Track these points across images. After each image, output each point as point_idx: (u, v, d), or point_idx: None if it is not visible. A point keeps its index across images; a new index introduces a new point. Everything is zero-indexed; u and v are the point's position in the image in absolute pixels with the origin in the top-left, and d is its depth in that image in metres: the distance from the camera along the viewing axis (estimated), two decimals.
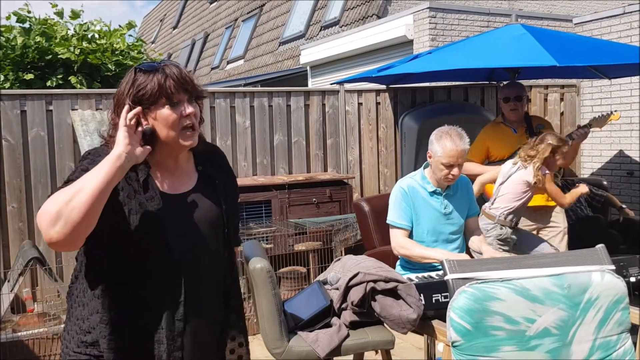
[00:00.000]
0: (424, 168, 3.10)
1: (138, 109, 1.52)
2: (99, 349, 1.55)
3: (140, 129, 1.54)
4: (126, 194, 1.55)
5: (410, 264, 3.06)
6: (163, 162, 1.63)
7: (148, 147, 1.55)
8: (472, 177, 3.98)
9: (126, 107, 1.52)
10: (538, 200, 3.99)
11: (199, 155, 1.73)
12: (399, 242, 3.00)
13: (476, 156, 4.17)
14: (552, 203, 4.03)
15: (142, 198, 1.56)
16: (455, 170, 2.91)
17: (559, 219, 4.06)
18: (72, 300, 1.63)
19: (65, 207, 1.38)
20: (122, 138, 1.48)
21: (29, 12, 6.67)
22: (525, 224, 4.03)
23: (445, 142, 2.90)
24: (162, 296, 1.58)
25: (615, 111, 3.94)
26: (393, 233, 3.04)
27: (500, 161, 4.09)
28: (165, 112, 1.55)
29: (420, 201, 3.01)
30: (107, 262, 1.55)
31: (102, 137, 1.66)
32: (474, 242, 3.11)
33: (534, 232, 4.05)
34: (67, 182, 1.51)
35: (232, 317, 1.78)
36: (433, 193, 3.03)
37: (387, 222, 3.06)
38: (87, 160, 1.56)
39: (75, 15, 7.04)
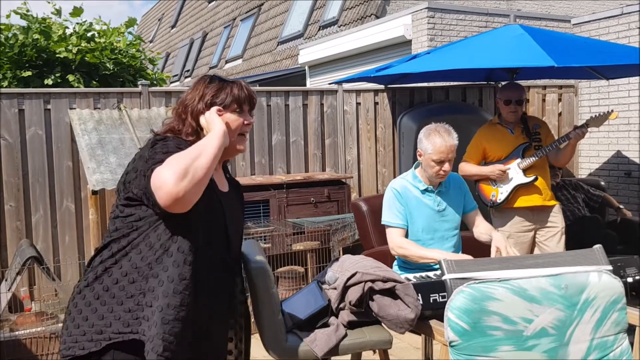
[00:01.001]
0: (415, 167, 3.11)
1: (218, 108, 1.79)
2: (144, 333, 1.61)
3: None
4: None
5: (407, 264, 3.06)
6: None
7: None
8: (470, 179, 4.00)
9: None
10: (535, 200, 4.00)
11: (225, 167, 2.01)
12: (396, 242, 3.00)
13: (473, 157, 4.16)
14: (550, 203, 4.04)
15: (207, 190, 1.68)
16: (446, 166, 2.92)
17: (557, 219, 4.06)
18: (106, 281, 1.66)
19: (191, 165, 1.54)
20: (216, 119, 1.74)
21: (27, 10, 6.65)
22: (522, 224, 4.04)
23: (435, 139, 2.92)
24: (219, 286, 1.80)
25: (613, 110, 3.95)
26: (390, 233, 3.04)
27: (497, 162, 4.10)
28: (234, 117, 1.81)
29: (413, 200, 3.02)
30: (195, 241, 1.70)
31: (153, 131, 1.84)
32: (483, 231, 3.07)
33: (531, 234, 4.05)
34: (152, 160, 1.62)
35: (240, 310, 2.02)
36: (425, 191, 3.04)
37: (383, 223, 3.07)
38: (169, 142, 1.71)
39: (76, 12, 7.02)
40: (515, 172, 4.01)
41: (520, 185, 4.00)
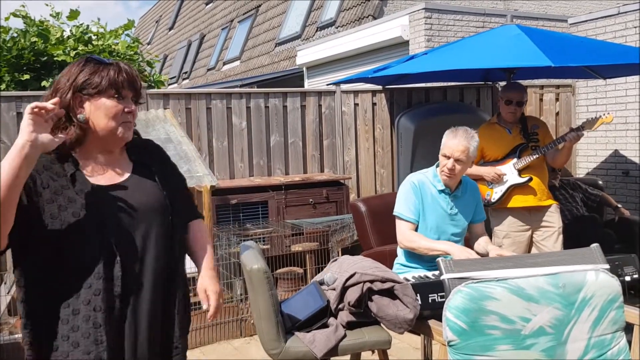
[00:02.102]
0: (436, 166, 3.13)
1: (56, 99, 1.50)
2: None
3: (78, 115, 1.58)
4: (53, 191, 1.55)
5: (411, 260, 3.05)
6: (94, 155, 1.65)
7: (60, 135, 1.53)
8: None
9: (46, 98, 1.52)
10: (530, 200, 4.01)
11: (132, 148, 1.75)
12: (405, 235, 3.00)
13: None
14: (545, 203, 4.04)
15: (70, 192, 1.56)
16: (449, 163, 2.94)
17: (553, 218, 4.07)
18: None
19: None
20: (24, 126, 1.43)
21: (25, 14, 6.66)
22: (519, 224, 4.05)
23: (449, 135, 3.02)
24: (98, 285, 1.55)
25: (609, 113, 3.95)
26: (400, 225, 3.03)
27: (494, 162, 4.11)
28: (111, 103, 1.60)
29: (428, 197, 3.04)
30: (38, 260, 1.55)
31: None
32: (480, 244, 3.13)
33: (528, 233, 4.06)
34: None
35: (175, 307, 1.72)
36: (441, 192, 3.06)
37: (395, 213, 3.06)
38: None
39: (73, 15, 7.03)
40: (511, 172, 4.03)
41: (515, 185, 4.01)
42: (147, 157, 1.77)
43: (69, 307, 1.55)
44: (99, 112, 1.59)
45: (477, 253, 3.00)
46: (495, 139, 4.14)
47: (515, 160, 4.04)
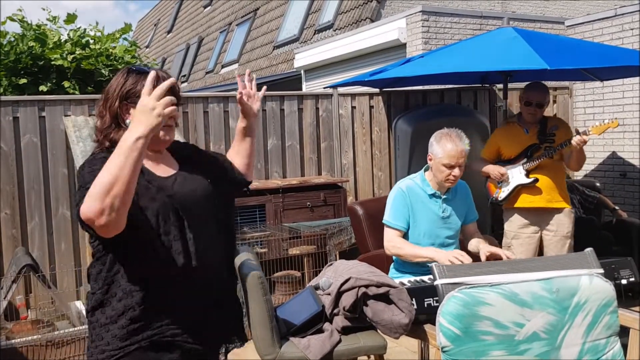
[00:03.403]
0: (425, 171, 3.11)
1: (172, 80, 1.65)
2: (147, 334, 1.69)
3: (126, 121, 1.73)
4: None
5: (404, 267, 3.06)
6: (146, 155, 1.76)
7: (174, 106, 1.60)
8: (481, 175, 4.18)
9: (152, 74, 1.60)
10: (537, 201, 4.00)
11: (175, 150, 1.94)
12: (391, 242, 3.01)
13: (487, 154, 4.28)
14: (555, 205, 4.00)
15: (143, 183, 1.69)
16: (456, 171, 2.93)
17: (562, 223, 4.00)
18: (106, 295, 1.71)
19: (106, 198, 1.47)
20: (137, 123, 1.52)
21: (22, 17, 6.65)
22: (526, 225, 4.05)
23: (446, 143, 2.94)
24: (179, 259, 1.72)
25: (615, 118, 3.93)
26: (387, 232, 3.04)
27: (507, 161, 4.11)
28: None
29: (418, 203, 3.03)
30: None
31: (95, 141, 1.80)
32: (473, 244, 3.11)
33: (537, 235, 4.05)
34: (82, 188, 1.61)
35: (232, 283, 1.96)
36: (432, 196, 3.04)
37: (383, 221, 3.07)
38: (96, 162, 1.66)
39: (70, 19, 7.03)
40: (519, 172, 4.04)
41: (521, 185, 4.02)
42: (188, 154, 1.96)
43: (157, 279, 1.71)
44: None
45: (470, 253, 3.00)
46: (512, 138, 4.14)
47: (525, 160, 4.04)
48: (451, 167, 2.92)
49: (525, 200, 4.04)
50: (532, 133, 4.07)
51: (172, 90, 1.73)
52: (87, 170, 1.65)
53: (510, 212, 4.12)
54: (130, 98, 1.73)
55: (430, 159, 3.01)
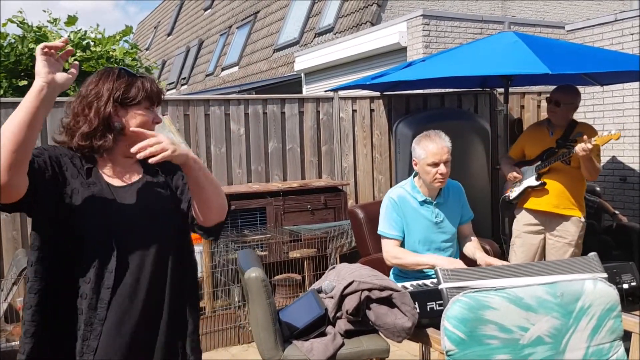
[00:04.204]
0: (414, 177, 3.11)
1: (64, 38, 1.55)
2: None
3: (115, 124, 1.68)
4: (70, 173, 1.65)
5: (404, 273, 3.07)
6: (115, 159, 1.74)
7: (73, 71, 1.56)
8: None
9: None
10: (543, 205, 4.00)
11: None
12: (391, 252, 3.01)
13: (513, 153, 4.35)
14: (563, 212, 3.96)
15: (84, 180, 1.65)
16: (442, 168, 2.92)
17: (568, 230, 3.96)
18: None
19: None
20: (40, 68, 1.47)
21: (22, 19, 6.66)
22: (530, 226, 4.06)
23: (427, 143, 2.95)
24: (92, 275, 1.60)
25: (619, 131, 3.90)
26: (385, 244, 3.05)
27: (528, 161, 4.14)
28: (142, 112, 1.71)
29: (410, 211, 3.02)
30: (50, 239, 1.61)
31: (62, 142, 1.71)
32: (469, 248, 3.12)
33: (540, 237, 4.06)
34: None
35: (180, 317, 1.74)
36: (423, 202, 3.03)
37: (379, 232, 3.08)
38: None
39: (71, 21, 7.03)
40: (531, 174, 4.06)
41: (530, 187, 4.05)
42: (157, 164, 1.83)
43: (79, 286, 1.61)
44: (134, 121, 1.69)
45: (465, 257, 3.00)
46: (535, 138, 4.16)
47: (539, 162, 4.05)
48: (436, 164, 2.92)
49: (532, 202, 4.06)
50: (556, 136, 4.04)
51: (160, 98, 1.75)
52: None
53: (519, 211, 4.17)
54: (123, 101, 1.68)
55: (416, 164, 3.01)
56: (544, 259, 4.06)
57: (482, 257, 2.93)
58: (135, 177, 1.77)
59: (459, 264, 2.78)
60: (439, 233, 3.04)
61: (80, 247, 1.61)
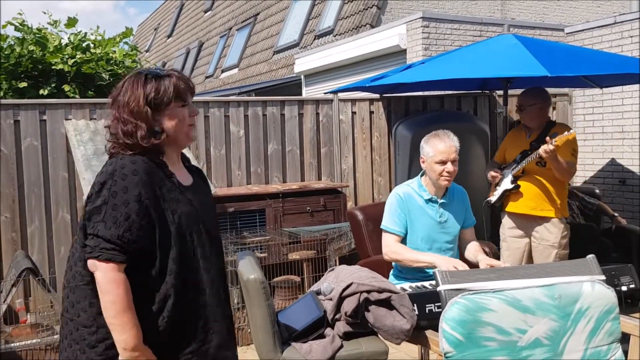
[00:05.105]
0: (421, 176, 3.12)
1: None
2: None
3: (155, 128, 1.77)
4: (164, 199, 1.74)
5: (403, 273, 3.07)
6: (171, 159, 1.84)
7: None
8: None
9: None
10: (521, 207, 4.01)
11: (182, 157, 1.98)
12: (390, 247, 3.01)
13: (496, 157, 4.38)
14: (541, 214, 3.97)
15: (175, 194, 1.76)
16: (449, 166, 2.95)
17: (550, 232, 3.95)
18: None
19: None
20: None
21: (22, 21, 6.66)
22: (514, 230, 4.07)
23: (434, 141, 2.99)
24: (214, 276, 1.83)
25: (574, 130, 3.90)
26: (385, 238, 3.05)
27: (506, 164, 4.15)
28: (181, 110, 1.79)
29: (415, 209, 3.03)
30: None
31: (112, 149, 1.79)
32: (470, 251, 3.12)
33: (525, 241, 4.06)
34: (95, 226, 1.67)
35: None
36: (429, 201, 3.05)
37: (381, 227, 3.08)
38: (124, 184, 1.68)
39: (71, 23, 7.04)
40: (507, 177, 4.07)
41: (507, 190, 4.06)
42: (193, 166, 2.00)
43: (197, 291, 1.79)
44: (172, 121, 1.78)
45: (467, 261, 3.00)
46: (514, 141, 4.18)
47: (514, 165, 4.06)
48: (443, 162, 2.94)
49: (511, 206, 4.08)
50: (532, 138, 4.07)
51: (192, 90, 1.83)
52: (121, 202, 1.65)
53: (503, 215, 4.19)
54: (157, 104, 1.75)
55: (423, 162, 3.04)
56: (532, 263, 4.04)
57: (484, 259, 2.94)
58: (190, 178, 1.90)
59: (458, 263, 2.77)
60: (441, 233, 3.05)
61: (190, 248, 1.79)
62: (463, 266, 2.73)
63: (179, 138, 1.80)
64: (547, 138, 3.68)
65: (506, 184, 4.07)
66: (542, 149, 3.65)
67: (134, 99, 1.73)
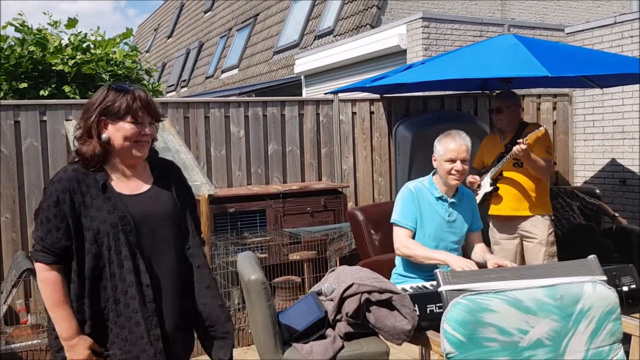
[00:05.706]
0: (433, 174, 3.14)
1: None
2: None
3: (102, 135, 1.88)
4: (85, 206, 1.82)
5: (409, 269, 3.05)
6: (119, 169, 1.93)
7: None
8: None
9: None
10: (503, 209, 4.05)
11: (156, 165, 2.04)
12: (402, 242, 3.00)
13: (475, 163, 4.33)
14: (523, 213, 3.99)
15: (99, 201, 1.83)
16: (458, 165, 2.97)
17: (536, 229, 3.98)
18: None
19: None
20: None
21: (23, 22, 6.66)
22: (503, 232, 4.10)
23: (446, 140, 3.04)
24: (131, 277, 1.82)
25: (543, 127, 3.93)
26: (397, 232, 3.04)
27: (485, 168, 4.16)
28: (127, 126, 1.88)
29: (426, 205, 3.05)
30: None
31: (76, 152, 1.90)
32: (477, 252, 3.13)
33: (515, 242, 4.07)
34: (36, 231, 1.83)
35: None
36: (439, 199, 3.07)
37: (392, 221, 3.06)
38: (54, 189, 1.82)
39: (71, 23, 7.04)
40: (487, 181, 4.09)
41: (487, 194, 4.08)
42: (169, 175, 2.04)
43: (111, 297, 1.83)
44: (118, 133, 1.88)
45: (475, 262, 3.00)
46: (490, 146, 4.21)
47: (492, 168, 4.08)
48: (453, 161, 2.98)
49: (494, 209, 4.11)
50: (506, 141, 4.11)
51: (148, 110, 1.89)
52: (44, 207, 1.81)
53: (489, 219, 4.18)
54: (108, 115, 1.87)
55: (435, 160, 3.08)
56: (524, 263, 4.06)
57: (492, 258, 2.95)
58: (145, 186, 1.96)
59: (470, 263, 2.77)
60: (449, 232, 3.06)
61: (111, 259, 1.86)
62: (474, 266, 2.74)
63: (122, 152, 1.89)
64: (519, 140, 3.76)
65: (485, 187, 4.10)
66: (515, 149, 3.73)
67: (92, 103, 1.90)
